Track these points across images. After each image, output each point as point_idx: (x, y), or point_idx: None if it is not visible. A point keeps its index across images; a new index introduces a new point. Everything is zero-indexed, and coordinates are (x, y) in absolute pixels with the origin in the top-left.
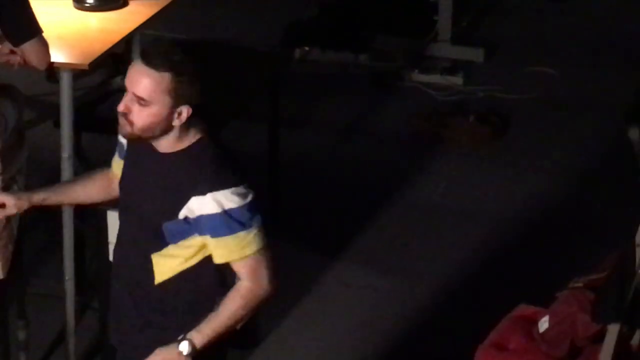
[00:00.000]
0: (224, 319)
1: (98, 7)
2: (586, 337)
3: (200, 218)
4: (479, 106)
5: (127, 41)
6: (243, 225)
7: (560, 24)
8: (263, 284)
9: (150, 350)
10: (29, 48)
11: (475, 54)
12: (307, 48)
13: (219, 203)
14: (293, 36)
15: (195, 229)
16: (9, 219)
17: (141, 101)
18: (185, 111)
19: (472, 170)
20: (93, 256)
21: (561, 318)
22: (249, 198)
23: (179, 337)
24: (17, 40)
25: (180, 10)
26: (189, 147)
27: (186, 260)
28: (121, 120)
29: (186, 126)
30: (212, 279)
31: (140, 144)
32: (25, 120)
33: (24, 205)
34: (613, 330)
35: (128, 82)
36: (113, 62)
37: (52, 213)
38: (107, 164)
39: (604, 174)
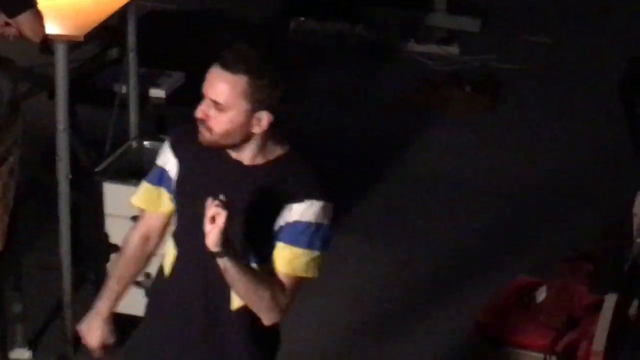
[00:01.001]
0: (253, 279)
1: None
2: (583, 308)
3: (295, 224)
4: (475, 75)
5: (122, 12)
6: (323, 247)
7: None
8: (287, 296)
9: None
10: (23, 20)
11: (472, 24)
12: (302, 19)
13: (316, 214)
14: (288, 7)
15: (282, 234)
16: (4, 190)
17: (218, 106)
18: (265, 117)
19: (468, 139)
20: (89, 228)
21: (558, 288)
22: (330, 209)
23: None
24: (12, 12)
25: None
26: (280, 157)
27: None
28: (200, 127)
29: (271, 135)
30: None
31: (213, 160)
32: (20, 93)
33: (109, 321)
34: (610, 301)
35: (206, 87)
36: (108, 33)
37: (47, 184)
38: (120, 175)
39: (599, 143)
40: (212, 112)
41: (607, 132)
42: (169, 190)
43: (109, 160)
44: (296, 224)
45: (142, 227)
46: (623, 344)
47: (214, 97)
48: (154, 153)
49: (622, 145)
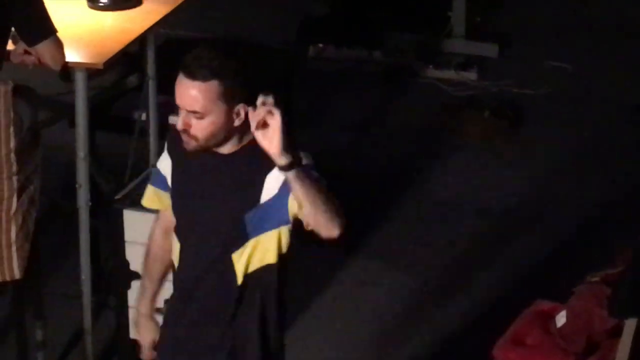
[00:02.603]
0: (317, 186)
1: (112, 6)
2: (603, 332)
3: (281, 191)
4: (493, 101)
5: (141, 40)
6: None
7: (574, 18)
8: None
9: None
10: (43, 48)
11: (489, 49)
12: (321, 45)
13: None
14: (307, 33)
15: (277, 206)
16: (25, 218)
17: (196, 114)
18: (242, 110)
19: (486, 165)
20: (109, 255)
21: (578, 313)
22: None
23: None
24: (32, 41)
25: (194, 9)
26: (252, 140)
27: (267, 259)
28: (184, 137)
29: (247, 123)
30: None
31: (199, 157)
32: (40, 120)
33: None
34: (630, 325)
35: (178, 100)
36: (127, 61)
37: (68, 212)
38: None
39: (619, 169)
40: (193, 121)
41: (627, 159)
42: (167, 189)
43: (129, 187)
44: (282, 190)
45: (161, 222)
46: None
47: (189, 107)
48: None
49: None
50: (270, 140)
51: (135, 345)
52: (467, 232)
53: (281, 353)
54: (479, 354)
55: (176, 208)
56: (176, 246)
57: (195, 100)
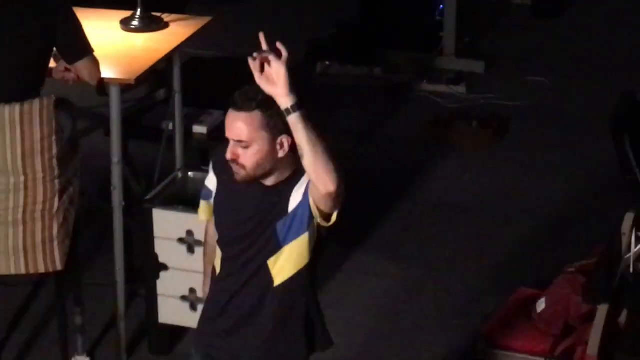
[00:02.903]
0: (319, 131)
1: (142, 28)
2: (578, 317)
3: (304, 195)
4: (481, 112)
5: (168, 58)
6: None
7: (550, 38)
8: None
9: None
10: (82, 65)
11: (477, 66)
12: (327, 63)
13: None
14: (315, 52)
15: (302, 207)
16: (66, 216)
17: (242, 144)
18: (285, 141)
19: (475, 170)
20: (140, 249)
21: (556, 299)
22: None
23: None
24: (72, 59)
25: (214, 31)
26: (289, 177)
27: (298, 263)
28: (234, 167)
29: (291, 158)
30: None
31: (249, 186)
32: (79, 130)
33: None
34: (602, 310)
35: (227, 132)
36: (156, 77)
37: (104, 211)
38: (167, 202)
39: (594, 172)
40: (240, 150)
41: (600, 162)
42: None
43: (158, 189)
44: (306, 193)
45: (211, 225)
46: (614, 349)
47: (236, 137)
48: (197, 182)
49: (614, 173)
50: (275, 84)
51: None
52: (457, 228)
53: (328, 345)
54: (469, 335)
55: (218, 223)
56: (219, 255)
57: (241, 130)
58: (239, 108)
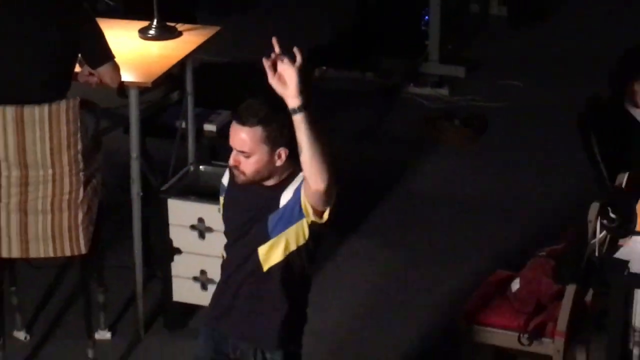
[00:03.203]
0: (320, 133)
1: (158, 37)
2: (549, 296)
3: (296, 190)
4: (462, 112)
5: (181, 64)
6: None
7: (524, 46)
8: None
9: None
10: (104, 70)
11: (458, 71)
12: (324, 68)
13: (300, 176)
14: (313, 58)
15: (293, 204)
16: (90, 205)
17: (244, 154)
18: (283, 152)
19: (457, 164)
20: (156, 235)
21: (529, 280)
22: None
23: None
24: (95, 64)
25: (223, 39)
26: (289, 175)
27: (284, 251)
28: (234, 172)
29: (288, 163)
30: (304, 257)
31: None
32: (101, 128)
33: None
34: (570, 290)
35: (230, 141)
36: (170, 80)
37: (123, 201)
38: (181, 193)
39: (564, 166)
40: (241, 159)
41: (568, 157)
42: None
43: (172, 181)
44: (297, 190)
45: None
46: (581, 325)
47: (239, 147)
48: (207, 175)
49: (580, 167)
50: (286, 85)
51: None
52: (441, 216)
53: (299, 324)
54: (452, 312)
55: (225, 216)
56: (225, 242)
57: (243, 142)
58: (242, 122)
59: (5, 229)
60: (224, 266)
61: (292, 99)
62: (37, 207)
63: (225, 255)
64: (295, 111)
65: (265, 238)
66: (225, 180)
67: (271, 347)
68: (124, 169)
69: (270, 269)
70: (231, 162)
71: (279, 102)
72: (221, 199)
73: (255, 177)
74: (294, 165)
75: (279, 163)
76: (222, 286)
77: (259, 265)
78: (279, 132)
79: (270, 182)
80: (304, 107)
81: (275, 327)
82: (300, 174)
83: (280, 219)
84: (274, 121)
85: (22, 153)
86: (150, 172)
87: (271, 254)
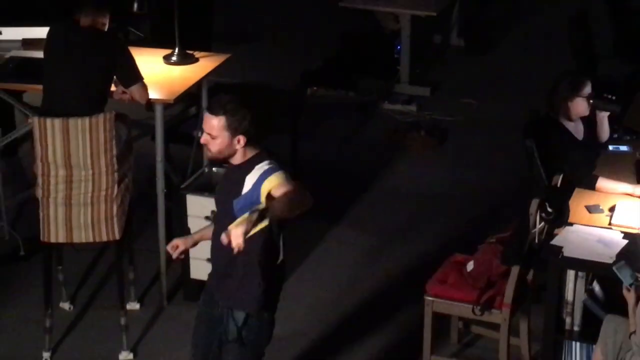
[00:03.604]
0: (279, 206)
1: (179, 62)
2: (498, 274)
3: (254, 185)
4: (427, 125)
5: (198, 84)
6: (275, 169)
7: (478, 71)
8: (300, 191)
9: (223, 296)
10: (134, 89)
11: (424, 91)
12: (315, 88)
13: (261, 167)
14: (306, 80)
15: (253, 194)
16: (122, 200)
17: (211, 136)
18: (242, 139)
19: (422, 166)
20: (177, 224)
21: (481, 262)
22: (287, 174)
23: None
24: (127, 84)
25: (232, 64)
26: (250, 158)
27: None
28: (205, 149)
29: (246, 147)
30: (267, 242)
31: (225, 166)
32: (132, 136)
33: (190, 244)
34: (515, 270)
35: (203, 125)
36: (189, 98)
37: (150, 196)
38: (197, 190)
39: (507, 168)
40: (209, 139)
41: (513, 161)
42: None
43: (190, 180)
44: (260, 175)
45: None
46: (523, 298)
47: (208, 130)
48: (219, 176)
49: (523, 170)
50: (242, 235)
51: (194, 283)
52: (409, 209)
53: (268, 291)
54: (417, 289)
55: (215, 200)
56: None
57: (211, 127)
58: (211, 111)
59: (53, 218)
60: (212, 237)
61: (239, 240)
62: (79, 201)
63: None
64: (263, 217)
65: (232, 219)
66: None
67: (237, 307)
68: (150, 169)
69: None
70: (202, 140)
71: (249, 94)
72: None
73: (218, 155)
74: (258, 148)
75: (237, 147)
76: (213, 253)
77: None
78: (239, 123)
79: (236, 161)
80: (268, 216)
81: (242, 292)
82: (265, 163)
83: (244, 204)
84: (237, 114)
85: (68, 156)
86: (172, 172)
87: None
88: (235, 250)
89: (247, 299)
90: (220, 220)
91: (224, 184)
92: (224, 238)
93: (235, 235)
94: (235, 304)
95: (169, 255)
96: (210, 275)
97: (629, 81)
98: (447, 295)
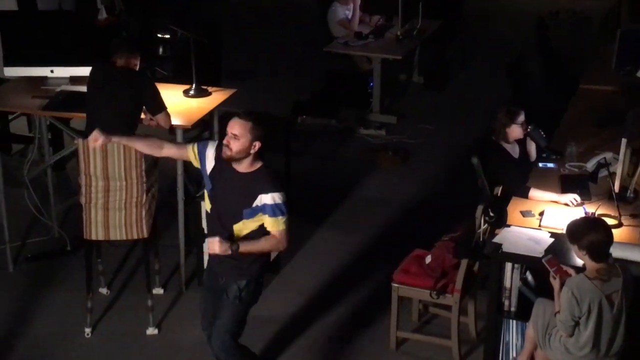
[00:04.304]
0: (256, 246)
1: (195, 95)
2: (450, 266)
3: (265, 205)
4: (394, 146)
5: (211, 113)
6: (282, 214)
7: (436, 103)
8: (282, 240)
9: (227, 271)
10: (160, 116)
11: (392, 119)
12: (304, 116)
13: (273, 198)
14: (297, 110)
15: (261, 210)
16: (150, 205)
17: (235, 136)
18: (257, 144)
19: (389, 180)
20: (193, 225)
21: (437, 256)
22: (285, 200)
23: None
24: (154, 113)
25: (238, 96)
26: (257, 170)
27: (250, 228)
28: (224, 148)
29: (256, 155)
30: (263, 231)
31: (228, 168)
32: None
33: (109, 140)
34: (464, 262)
35: (229, 127)
36: (203, 124)
37: (171, 203)
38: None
39: (457, 181)
40: (231, 140)
41: (465, 174)
42: (201, 161)
43: (203, 190)
44: (269, 205)
45: (175, 151)
46: (470, 285)
47: (233, 132)
48: None
49: (472, 182)
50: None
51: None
52: (380, 214)
53: (260, 263)
54: (386, 278)
55: (209, 191)
56: (207, 203)
57: (237, 128)
58: (240, 117)
59: (94, 220)
60: (208, 218)
61: (225, 251)
62: (115, 206)
63: (206, 220)
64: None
65: (239, 219)
66: (209, 156)
67: (240, 276)
68: (172, 181)
69: (239, 237)
70: (225, 140)
71: (262, 118)
72: (194, 147)
73: (236, 155)
74: (262, 162)
75: (252, 151)
76: (209, 227)
77: (232, 233)
78: (259, 131)
79: (242, 168)
80: (234, 250)
81: (243, 265)
82: (278, 195)
83: (251, 214)
84: (259, 124)
85: (105, 170)
86: (189, 183)
87: (241, 229)
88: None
89: (247, 271)
90: (223, 213)
91: (229, 185)
92: (214, 248)
93: (223, 249)
94: (240, 275)
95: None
96: (210, 261)
97: (554, 112)
98: (410, 282)
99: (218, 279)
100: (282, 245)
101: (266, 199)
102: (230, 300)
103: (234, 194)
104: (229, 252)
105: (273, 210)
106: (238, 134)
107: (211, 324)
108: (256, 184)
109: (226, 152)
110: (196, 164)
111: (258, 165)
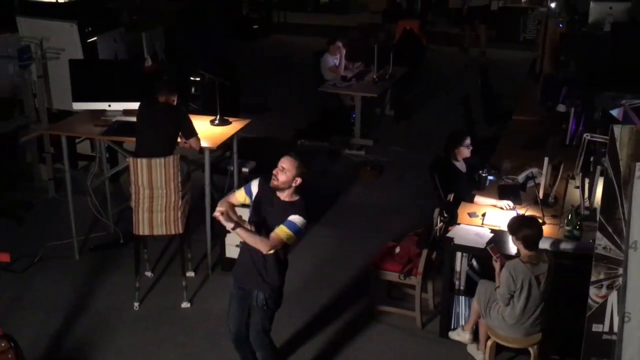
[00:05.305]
0: (249, 238)
1: (220, 124)
2: (415, 255)
3: (288, 220)
4: (371, 163)
5: (231, 137)
6: (293, 230)
7: (402, 130)
8: (270, 244)
9: (252, 279)
10: (192, 140)
11: (369, 142)
12: (303, 140)
13: (296, 219)
14: (297, 135)
15: (284, 222)
16: (184, 209)
17: (283, 169)
18: (299, 180)
19: (368, 189)
20: (217, 225)
21: (404, 247)
22: (303, 227)
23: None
24: (187, 137)
25: (252, 125)
26: (295, 201)
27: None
28: (273, 179)
29: (296, 189)
30: (280, 256)
31: (271, 195)
32: (191, 169)
33: (231, 211)
34: (425, 252)
35: (280, 162)
36: (225, 146)
37: (200, 207)
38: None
39: (421, 191)
40: (280, 172)
41: (425, 187)
42: (249, 196)
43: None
44: (288, 220)
45: (233, 199)
46: (429, 270)
47: (283, 165)
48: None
49: (431, 191)
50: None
51: (229, 260)
52: (362, 215)
53: (282, 274)
54: (365, 264)
55: (252, 212)
56: (249, 226)
57: (287, 163)
58: (291, 156)
59: (141, 219)
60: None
61: (228, 225)
62: (157, 209)
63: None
64: (234, 229)
65: (269, 231)
66: (254, 187)
67: (266, 286)
68: (201, 190)
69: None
70: (274, 171)
71: (304, 159)
72: (242, 191)
73: (280, 185)
74: (299, 195)
75: (294, 184)
76: (242, 247)
77: (259, 250)
78: (302, 170)
79: (284, 197)
80: (233, 228)
81: (267, 276)
82: (301, 218)
83: (277, 225)
84: (304, 166)
85: (150, 182)
86: (214, 192)
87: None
88: (217, 215)
89: (271, 281)
90: (258, 228)
91: (269, 206)
92: (217, 214)
93: (224, 219)
94: (263, 282)
95: (218, 224)
96: (237, 264)
97: (493, 137)
98: (384, 267)
99: (242, 287)
100: (265, 248)
101: (292, 217)
102: (259, 307)
103: (272, 213)
104: (231, 225)
105: (289, 224)
106: (286, 167)
107: (235, 324)
108: (291, 209)
109: (273, 182)
110: (247, 201)
111: (296, 198)
